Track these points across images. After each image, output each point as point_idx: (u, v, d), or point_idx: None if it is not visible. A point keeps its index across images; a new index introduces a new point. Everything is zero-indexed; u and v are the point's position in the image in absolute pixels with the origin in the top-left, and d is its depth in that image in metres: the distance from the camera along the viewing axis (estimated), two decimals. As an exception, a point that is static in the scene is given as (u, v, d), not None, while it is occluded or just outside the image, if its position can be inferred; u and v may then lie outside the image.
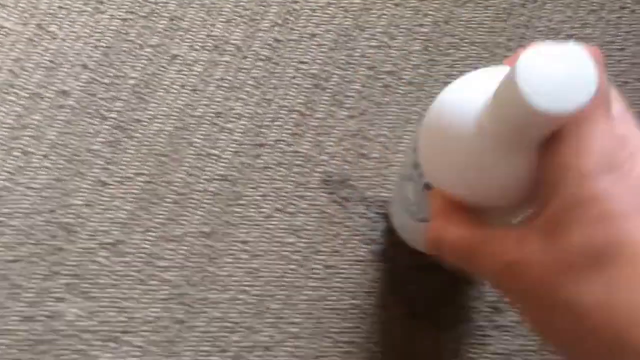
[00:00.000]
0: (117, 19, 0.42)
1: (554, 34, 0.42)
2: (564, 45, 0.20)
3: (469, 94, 0.24)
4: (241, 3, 0.42)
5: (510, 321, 0.36)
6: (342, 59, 0.42)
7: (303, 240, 0.38)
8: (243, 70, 0.41)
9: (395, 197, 0.35)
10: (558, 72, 0.20)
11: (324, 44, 0.42)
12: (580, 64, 0.20)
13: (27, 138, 0.39)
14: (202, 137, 0.40)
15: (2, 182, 0.38)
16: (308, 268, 0.37)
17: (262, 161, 0.39)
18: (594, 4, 0.43)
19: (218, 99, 0.41)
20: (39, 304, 0.36)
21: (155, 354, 0.35)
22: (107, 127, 0.40)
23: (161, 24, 0.42)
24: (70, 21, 0.42)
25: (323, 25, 0.42)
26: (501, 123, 0.22)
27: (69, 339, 0.35)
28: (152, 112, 0.40)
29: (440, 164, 0.25)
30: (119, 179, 0.39)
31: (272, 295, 0.37)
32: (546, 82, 0.20)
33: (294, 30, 0.42)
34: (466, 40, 0.42)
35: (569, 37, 0.42)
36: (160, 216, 0.38)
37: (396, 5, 0.43)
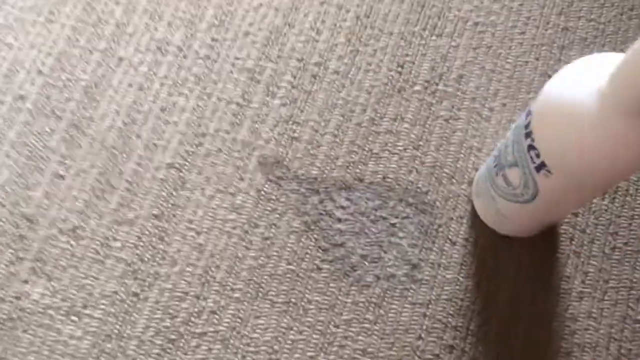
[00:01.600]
0: (68, 27, 0.46)
1: (462, 22, 0.47)
2: None
3: (583, 76, 0.28)
4: (180, 7, 0.47)
5: (427, 275, 0.41)
6: (274, 54, 0.46)
7: (243, 216, 0.42)
8: (184, 68, 0.45)
9: (482, 190, 0.39)
10: None
11: (257, 41, 0.46)
12: None
13: (-10, 139, 0.43)
14: (149, 130, 0.44)
15: (-32, 180, 0.42)
16: (248, 241, 0.42)
17: (204, 149, 0.44)
18: (498, -7, 0.48)
19: (162, 95, 0.45)
20: (6, 286, 0.40)
21: (113, 324, 0.40)
22: (62, 126, 0.44)
23: (108, 30, 0.46)
24: (25, 32, 0.46)
25: (256, 24, 0.47)
26: (628, 87, 0.25)
27: (35, 316, 0.40)
28: (102, 110, 0.44)
29: (562, 141, 0.28)
30: (74, 172, 0.43)
31: (217, 266, 0.41)
32: None
33: (229, 29, 0.46)
34: (385, 32, 0.47)
35: (476, 24, 0.47)
36: (114, 203, 0.42)
37: (321, 3, 0.47)
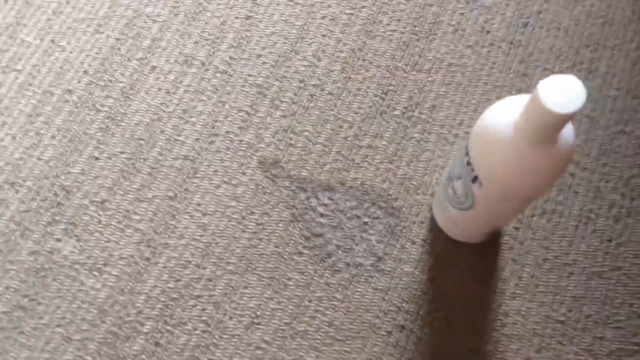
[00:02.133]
0: (112, 38, 0.55)
1: (439, 61, 0.56)
2: (565, 76, 0.33)
3: (505, 111, 0.37)
4: (207, 30, 0.56)
5: (389, 267, 0.50)
6: (280, 74, 0.55)
7: (242, 204, 0.51)
8: (205, 80, 0.55)
9: (439, 200, 0.48)
10: (562, 90, 0.33)
11: (267, 62, 0.56)
12: (575, 85, 0.33)
13: (40, 123, 0.52)
14: (171, 127, 0.53)
15: (19, 154, 0.51)
16: (244, 224, 0.50)
17: (215, 146, 0.53)
18: (471, 41, 0.57)
19: (185, 100, 0.54)
20: (42, 242, 0.49)
21: (127, 281, 0.48)
22: (100, 117, 0.53)
23: (145, 43, 0.55)
24: (76, 38, 0.55)
25: (267, 49, 0.56)
26: (530, 121, 0.34)
27: (64, 268, 0.48)
28: (134, 108, 0.53)
29: (487, 159, 0.37)
30: (107, 155, 0.52)
31: (216, 243, 0.50)
32: (556, 96, 0.33)
33: (245, 51, 0.56)
34: (374, 64, 0.56)
35: (450, 64, 0.56)
36: (137, 183, 0.51)
37: (323, 36, 0.57)
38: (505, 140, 0.36)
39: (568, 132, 0.37)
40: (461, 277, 0.50)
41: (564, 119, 0.33)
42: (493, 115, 0.38)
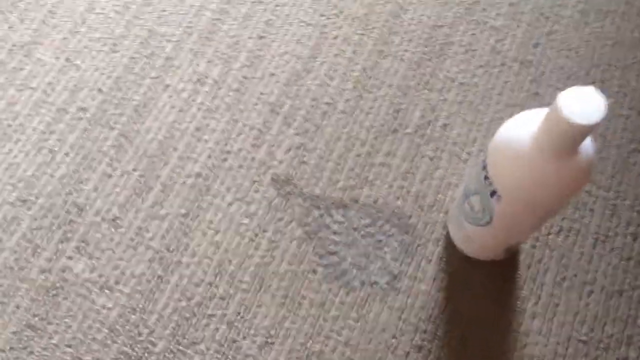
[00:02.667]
0: (126, 57, 0.56)
1: (450, 81, 0.57)
2: (584, 88, 0.33)
3: (524, 124, 0.37)
4: (220, 49, 0.57)
5: (405, 285, 0.49)
6: (293, 92, 0.55)
7: (255, 222, 0.50)
8: (218, 98, 0.55)
9: (455, 217, 0.47)
10: (582, 101, 0.33)
11: (280, 81, 0.56)
12: (595, 97, 0.33)
13: (54, 140, 0.52)
14: (184, 144, 0.53)
15: (32, 171, 0.51)
16: (257, 242, 0.50)
17: (228, 164, 0.52)
18: (482, 61, 0.58)
19: (198, 118, 0.54)
20: (54, 260, 0.48)
21: (138, 299, 0.47)
22: (114, 134, 0.53)
23: (159, 62, 0.56)
24: (91, 57, 0.56)
25: (280, 68, 0.56)
26: (550, 133, 0.34)
27: (75, 286, 0.47)
28: (148, 125, 0.53)
29: (506, 173, 0.37)
30: (120, 173, 0.51)
31: (229, 260, 0.49)
32: (576, 107, 0.33)
33: (258, 70, 0.56)
34: (386, 83, 0.56)
35: (461, 84, 0.57)
36: (149, 201, 0.51)
37: (335, 55, 0.57)
38: (524, 152, 0.36)
39: (587, 144, 0.36)
40: (478, 295, 0.49)
41: (586, 130, 0.33)
42: (511, 128, 0.38)
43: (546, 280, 0.50)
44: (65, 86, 0.54)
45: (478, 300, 0.49)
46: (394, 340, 0.47)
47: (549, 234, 0.51)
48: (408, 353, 0.47)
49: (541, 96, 0.56)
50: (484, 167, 0.39)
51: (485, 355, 0.47)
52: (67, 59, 0.55)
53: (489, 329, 0.48)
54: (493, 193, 0.39)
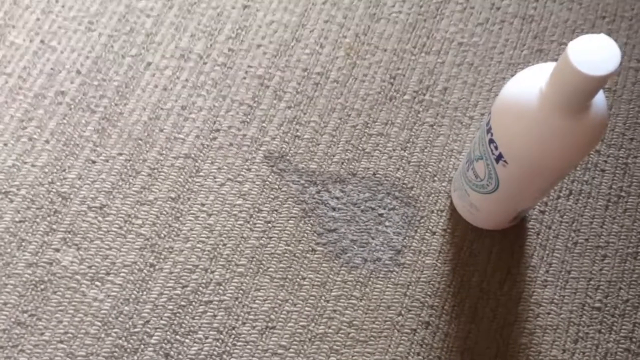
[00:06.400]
0: (104, 35, 0.53)
1: (448, 42, 0.53)
2: (596, 36, 0.30)
3: (530, 80, 0.34)
4: (203, 21, 0.54)
5: (409, 260, 0.46)
6: (282, 63, 0.52)
7: (248, 202, 0.48)
8: (203, 73, 0.52)
9: (459, 186, 0.44)
10: (594, 51, 0.30)
11: (268, 52, 0.53)
12: (607, 45, 0.30)
13: (33, 128, 0.50)
14: (170, 125, 0.50)
15: (12, 161, 0.48)
16: (252, 223, 0.47)
17: (217, 143, 0.50)
18: (481, 18, 0.54)
19: (183, 96, 0.51)
20: (40, 253, 0.46)
21: (131, 289, 0.45)
22: (95, 118, 0.50)
23: (139, 38, 0.53)
24: (67, 38, 0.53)
25: (267, 38, 0.53)
26: (559, 88, 0.31)
27: (64, 280, 0.45)
28: (131, 106, 0.51)
29: (512, 134, 0.34)
30: (104, 158, 0.49)
31: (224, 244, 0.47)
32: (588, 57, 0.29)
33: (244, 41, 0.53)
34: (380, 48, 0.53)
35: (460, 44, 0.53)
36: (137, 186, 0.48)
37: (325, 22, 0.54)
38: (531, 111, 0.33)
39: (600, 98, 0.34)
40: (485, 267, 0.47)
41: (599, 82, 0.30)
42: (516, 85, 0.35)
43: (557, 246, 0.47)
44: (41, 70, 0.51)
45: (486, 271, 0.47)
46: (400, 318, 0.45)
47: (558, 197, 0.49)
48: (415, 330, 0.45)
49: (545, 52, 0.53)
50: (488, 130, 0.36)
51: (496, 328, 0.45)
52: (42, 41, 0.52)
53: (499, 301, 0.46)
54: (499, 158, 0.36)
